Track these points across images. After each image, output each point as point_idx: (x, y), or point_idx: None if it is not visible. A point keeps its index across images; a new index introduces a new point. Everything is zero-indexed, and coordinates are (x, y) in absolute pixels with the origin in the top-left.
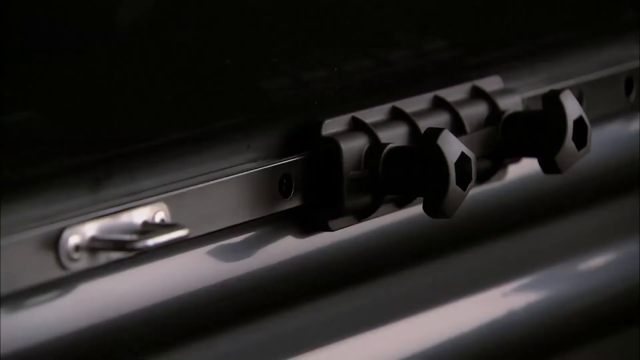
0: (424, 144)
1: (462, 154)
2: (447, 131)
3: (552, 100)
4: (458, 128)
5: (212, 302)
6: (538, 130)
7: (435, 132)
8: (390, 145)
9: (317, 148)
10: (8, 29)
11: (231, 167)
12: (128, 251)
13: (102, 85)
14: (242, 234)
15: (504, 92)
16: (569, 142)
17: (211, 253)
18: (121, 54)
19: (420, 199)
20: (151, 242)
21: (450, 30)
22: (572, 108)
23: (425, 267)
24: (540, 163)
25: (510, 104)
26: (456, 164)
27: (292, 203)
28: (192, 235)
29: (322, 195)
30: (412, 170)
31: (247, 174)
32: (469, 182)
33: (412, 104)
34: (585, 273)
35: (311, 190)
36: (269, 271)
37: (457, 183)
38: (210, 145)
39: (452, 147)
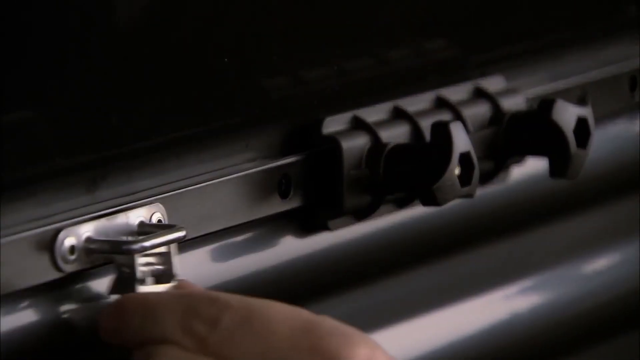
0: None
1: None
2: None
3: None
4: None
5: None
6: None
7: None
8: (392, 145)
9: (317, 147)
10: (8, 28)
11: (229, 166)
12: (124, 253)
13: (99, 84)
14: (240, 235)
15: (507, 91)
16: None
17: (209, 254)
18: (119, 54)
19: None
20: (148, 243)
21: (453, 29)
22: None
23: (425, 268)
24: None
25: (514, 103)
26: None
27: (292, 203)
28: (189, 237)
29: (322, 195)
30: (414, 168)
31: (245, 174)
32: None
33: (414, 103)
34: (588, 275)
35: (311, 190)
36: (268, 272)
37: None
38: (208, 144)
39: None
